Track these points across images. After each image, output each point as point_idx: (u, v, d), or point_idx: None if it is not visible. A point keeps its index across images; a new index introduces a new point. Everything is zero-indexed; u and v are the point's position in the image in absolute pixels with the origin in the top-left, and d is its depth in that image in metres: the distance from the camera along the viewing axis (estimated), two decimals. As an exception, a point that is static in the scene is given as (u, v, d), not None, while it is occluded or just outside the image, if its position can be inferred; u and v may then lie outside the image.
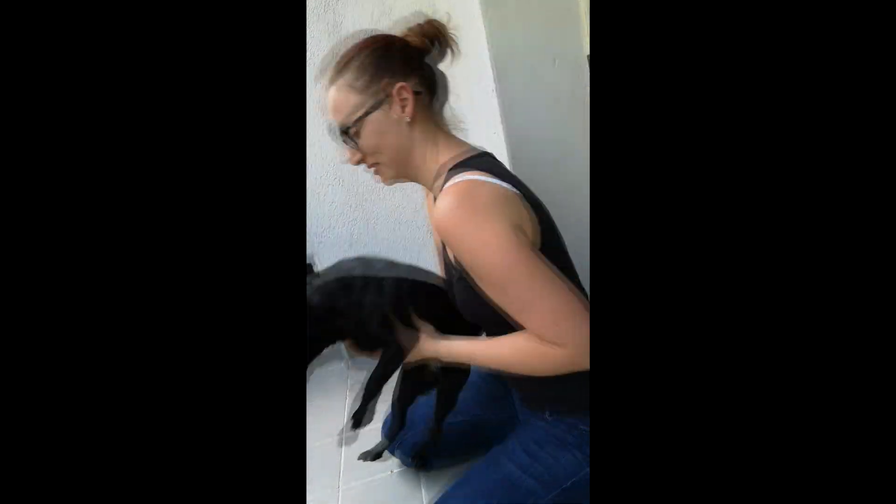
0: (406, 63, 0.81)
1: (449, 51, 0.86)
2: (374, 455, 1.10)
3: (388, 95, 0.79)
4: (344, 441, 0.92)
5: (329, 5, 1.57)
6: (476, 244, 0.72)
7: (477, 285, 0.77)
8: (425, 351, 0.89)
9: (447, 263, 0.89)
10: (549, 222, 0.82)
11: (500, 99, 1.29)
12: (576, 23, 1.31)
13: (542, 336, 0.74)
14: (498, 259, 0.72)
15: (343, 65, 0.81)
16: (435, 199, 0.82)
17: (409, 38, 0.83)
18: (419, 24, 0.84)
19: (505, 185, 0.76)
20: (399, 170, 0.86)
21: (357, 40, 0.83)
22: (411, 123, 0.81)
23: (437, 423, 1.05)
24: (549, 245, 0.79)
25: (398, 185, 0.91)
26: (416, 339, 0.89)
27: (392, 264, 0.98)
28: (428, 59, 0.84)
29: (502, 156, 1.34)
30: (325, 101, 0.84)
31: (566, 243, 0.87)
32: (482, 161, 0.82)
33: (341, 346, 0.94)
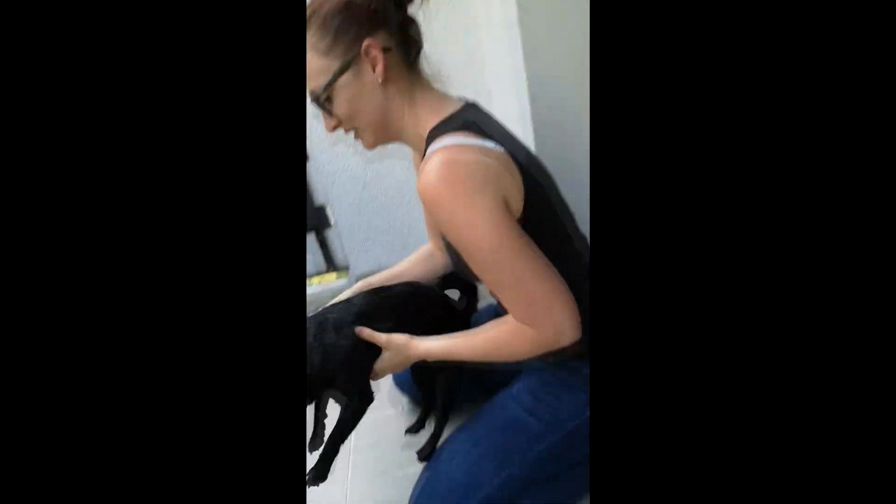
0: (370, 16, 0.72)
1: None
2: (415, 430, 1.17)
3: (356, 56, 0.73)
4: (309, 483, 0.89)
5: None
6: (460, 223, 0.69)
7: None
8: (413, 357, 0.89)
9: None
10: (536, 182, 0.76)
11: (523, 34, 1.25)
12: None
13: (515, 315, 0.74)
14: (482, 241, 0.69)
15: (307, 24, 0.73)
16: (423, 158, 0.78)
17: None
18: None
19: (489, 144, 0.72)
20: (378, 134, 0.81)
21: None
22: (384, 84, 0.75)
23: (443, 415, 1.08)
24: (536, 207, 0.75)
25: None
26: (399, 355, 0.89)
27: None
28: (395, 6, 0.75)
29: (522, 95, 1.30)
30: None
31: (580, 183, 0.82)
32: (465, 117, 0.76)
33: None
